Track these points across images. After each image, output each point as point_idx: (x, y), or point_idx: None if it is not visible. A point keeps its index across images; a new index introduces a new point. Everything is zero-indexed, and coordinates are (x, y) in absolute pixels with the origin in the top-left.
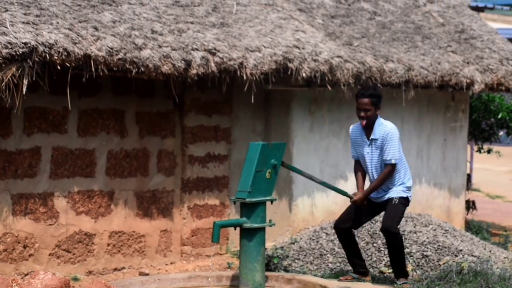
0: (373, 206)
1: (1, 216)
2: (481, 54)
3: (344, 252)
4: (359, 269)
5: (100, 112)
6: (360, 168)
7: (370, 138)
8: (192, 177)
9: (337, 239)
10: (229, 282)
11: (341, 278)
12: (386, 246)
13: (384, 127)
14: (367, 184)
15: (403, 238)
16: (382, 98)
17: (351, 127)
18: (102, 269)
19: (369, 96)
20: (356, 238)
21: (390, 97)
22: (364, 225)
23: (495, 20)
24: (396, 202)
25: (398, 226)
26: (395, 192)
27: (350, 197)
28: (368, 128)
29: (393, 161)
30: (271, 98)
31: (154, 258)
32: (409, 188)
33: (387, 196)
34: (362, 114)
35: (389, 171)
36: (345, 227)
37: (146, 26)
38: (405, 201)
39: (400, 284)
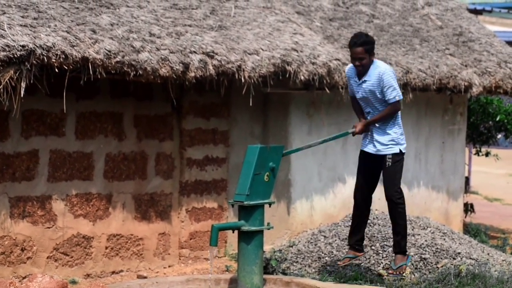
0: (372, 160)
1: None
2: (479, 57)
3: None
4: (356, 245)
5: (98, 115)
6: (357, 102)
7: (362, 79)
8: (190, 180)
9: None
10: (227, 285)
11: (339, 263)
12: (385, 250)
13: (378, 68)
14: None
15: (405, 206)
16: (375, 43)
17: (348, 66)
18: (100, 272)
19: (362, 44)
20: None
21: None
22: None
23: (493, 23)
24: (390, 164)
25: (400, 186)
26: (392, 148)
27: (352, 132)
28: (364, 72)
29: (397, 98)
30: (269, 101)
31: (152, 261)
32: (403, 140)
33: (381, 151)
34: (357, 63)
35: (393, 109)
36: (365, 193)
37: (144, 29)
38: (398, 157)
39: (395, 268)
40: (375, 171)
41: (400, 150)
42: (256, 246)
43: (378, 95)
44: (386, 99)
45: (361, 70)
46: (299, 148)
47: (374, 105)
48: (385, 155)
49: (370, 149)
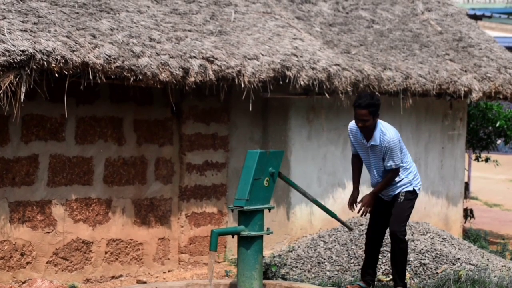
0: (385, 203)
1: None
2: (479, 62)
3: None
4: (369, 279)
5: (98, 120)
6: (357, 163)
7: (370, 144)
8: (190, 185)
9: (363, 246)
10: None
11: (348, 286)
12: (384, 255)
13: (384, 135)
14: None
15: (408, 244)
16: (381, 105)
17: (350, 124)
18: (100, 277)
19: (366, 107)
20: (354, 246)
21: (388, 105)
22: (362, 233)
23: (493, 28)
24: (402, 200)
25: (406, 226)
26: (400, 187)
27: (349, 228)
28: (367, 133)
29: (393, 167)
30: (269, 106)
31: (152, 266)
32: (417, 180)
33: (394, 193)
34: (360, 124)
35: (392, 175)
36: (378, 230)
37: (144, 34)
38: (411, 195)
39: None
40: (388, 210)
41: (414, 189)
42: (256, 251)
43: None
44: (385, 163)
45: (364, 132)
46: (296, 185)
47: (380, 163)
48: (398, 193)
49: (383, 195)
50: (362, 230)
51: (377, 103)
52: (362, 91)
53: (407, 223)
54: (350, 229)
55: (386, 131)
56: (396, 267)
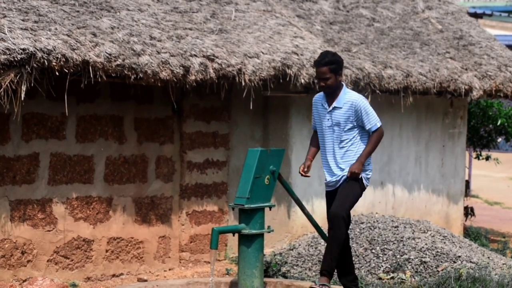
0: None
1: (0, 222)
2: (480, 60)
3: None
4: (345, 282)
5: (98, 118)
6: (316, 140)
7: (333, 106)
8: (191, 183)
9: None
10: None
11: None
12: (384, 253)
13: (351, 95)
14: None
15: (346, 235)
16: (343, 63)
17: (315, 95)
18: (101, 275)
19: (326, 64)
20: (354, 244)
21: (389, 103)
22: (362, 231)
23: (494, 26)
24: (348, 181)
25: (348, 213)
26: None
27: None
28: (330, 96)
29: (378, 124)
30: (269, 105)
31: (153, 264)
32: (370, 174)
33: (344, 177)
34: (322, 83)
35: (378, 135)
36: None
37: (144, 32)
38: (363, 187)
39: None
40: None
41: (361, 177)
42: (257, 249)
43: (347, 126)
44: (367, 128)
45: (328, 91)
46: (293, 193)
47: (339, 138)
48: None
49: (330, 186)
50: (363, 228)
51: (338, 59)
52: (363, 90)
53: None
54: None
55: (352, 92)
56: (326, 252)
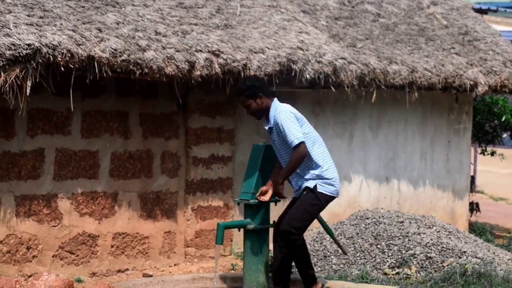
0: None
1: (5, 217)
2: (485, 56)
3: (350, 254)
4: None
5: (103, 114)
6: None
7: (268, 127)
8: (196, 179)
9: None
10: (233, 283)
11: None
12: (390, 248)
13: (273, 111)
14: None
15: (305, 242)
16: (261, 84)
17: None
18: (106, 271)
19: (241, 93)
20: (360, 240)
21: (394, 98)
22: (368, 227)
23: (499, 22)
24: (305, 195)
25: (300, 226)
26: (309, 182)
27: (344, 252)
28: (265, 118)
29: (296, 141)
30: None
31: (158, 259)
32: (328, 181)
33: (302, 187)
34: (246, 111)
35: (296, 154)
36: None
37: (150, 28)
38: (313, 195)
39: None
40: None
41: (316, 187)
42: (262, 244)
43: (287, 142)
44: (289, 143)
45: (256, 116)
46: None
47: (289, 154)
48: (305, 187)
49: (295, 191)
50: (369, 224)
51: (253, 84)
52: (368, 85)
53: (316, 231)
54: (345, 253)
55: (277, 106)
56: (299, 270)
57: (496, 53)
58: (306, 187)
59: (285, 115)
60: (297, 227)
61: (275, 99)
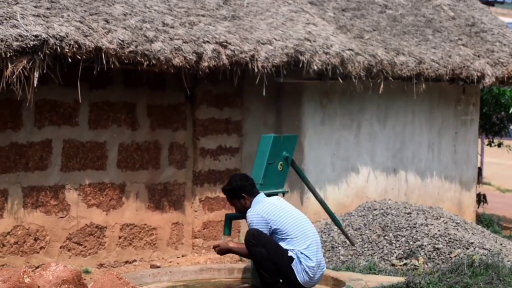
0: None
1: (12, 208)
2: (492, 47)
3: (358, 245)
4: None
5: (111, 105)
6: None
7: None
8: (204, 170)
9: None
10: (240, 274)
11: None
12: (397, 239)
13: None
14: None
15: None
16: (244, 184)
17: None
18: (114, 262)
19: (225, 193)
20: (367, 231)
21: (401, 90)
22: (375, 218)
23: (505, 14)
24: None
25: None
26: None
27: (352, 242)
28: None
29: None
30: (282, 91)
31: (166, 251)
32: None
33: None
34: (235, 209)
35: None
36: None
37: (157, 19)
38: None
39: None
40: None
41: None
42: None
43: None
44: None
45: (242, 213)
46: (306, 179)
47: None
48: None
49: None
50: (376, 215)
51: (232, 187)
52: (376, 76)
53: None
54: (353, 244)
55: (250, 211)
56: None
57: (503, 44)
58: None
59: (252, 219)
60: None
61: (258, 196)
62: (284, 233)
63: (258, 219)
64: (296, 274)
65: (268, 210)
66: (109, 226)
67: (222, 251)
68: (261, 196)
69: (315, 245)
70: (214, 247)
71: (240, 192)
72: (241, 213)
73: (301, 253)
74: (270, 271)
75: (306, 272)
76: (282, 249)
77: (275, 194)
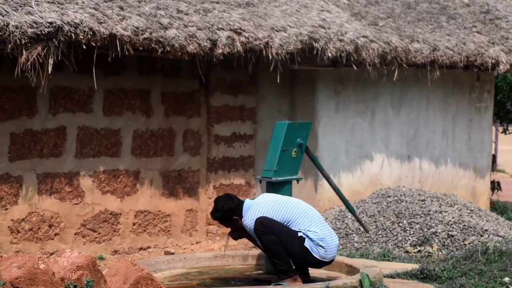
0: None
1: (27, 195)
2: (507, 34)
3: (372, 232)
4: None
5: (125, 92)
6: None
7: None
8: (218, 157)
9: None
10: (255, 261)
11: None
12: (411, 226)
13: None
14: None
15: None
16: (230, 207)
17: None
18: (128, 249)
19: (214, 219)
20: (381, 218)
21: (416, 77)
22: (390, 205)
23: None
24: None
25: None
26: None
27: (366, 229)
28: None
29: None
30: (296, 78)
31: (180, 237)
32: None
33: None
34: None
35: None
36: None
37: (171, 6)
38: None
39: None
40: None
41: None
42: None
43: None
44: None
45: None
46: (321, 167)
47: None
48: None
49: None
50: (390, 202)
51: (219, 215)
52: (390, 63)
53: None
54: (367, 231)
55: (244, 216)
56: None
57: None
58: None
59: (250, 229)
60: (259, 223)
61: (244, 204)
62: (285, 222)
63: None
64: (311, 251)
65: (259, 211)
66: (124, 213)
67: (237, 236)
68: (247, 203)
69: (317, 219)
70: (230, 234)
71: (230, 216)
72: (236, 233)
73: (308, 230)
74: (282, 256)
75: (320, 245)
76: (292, 231)
77: (289, 181)
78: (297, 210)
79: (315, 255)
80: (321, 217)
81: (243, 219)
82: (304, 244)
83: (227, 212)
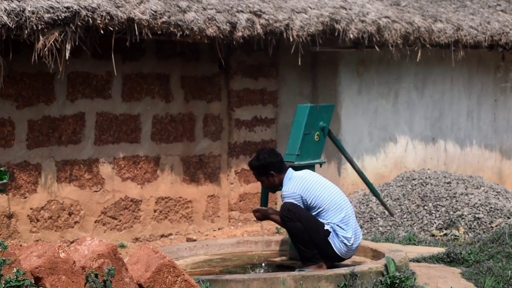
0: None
1: (46, 183)
2: None
3: (397, 216)
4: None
5: (144, 77)
6: None
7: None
8: (239, 141)
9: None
10: (278, 247)
11: None
12: (437, 209)
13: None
14: None
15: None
16: (272, 161)
17: None
18: (149, 236)
19: (252, 169)
20: (406, 201)
21: (439, 57)
22: (414, 188)
23: None
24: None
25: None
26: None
27: (391, 213)
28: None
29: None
30: (318, 60)
31: (202, 223)
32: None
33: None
34: (261, 184)
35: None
36: None
37: None
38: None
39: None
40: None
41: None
42: None
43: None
44: None
45: (271, 191)
46: (344, 150)
47: None
48: None
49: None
50: (415, 185)
51: (260, 163)
52: (413, 44)
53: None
54: (392, 214)
55: (287, 182)
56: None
57: None
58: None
59: (289, 197)
60: (286, 209)
61: (288, 172)
62: (319, 208)
63: (294, 196)
64: (334, 246)
65: (301, 186)
66: (144, 200)
67: (261, 217)
68: (290, 172)
69: (350, 215)
70: (254, 212)
71: (269, 169)
72: (269, 190)
73: (337, 225)
74: (307, 244)
75: (344, 243)
76: (318, 222)
77: (312, 165)
78: (334, 200)
79: (336, 250)
80: (353, 213)
81: (282, 188)
82: (328, 238)
83: (268, 164)
